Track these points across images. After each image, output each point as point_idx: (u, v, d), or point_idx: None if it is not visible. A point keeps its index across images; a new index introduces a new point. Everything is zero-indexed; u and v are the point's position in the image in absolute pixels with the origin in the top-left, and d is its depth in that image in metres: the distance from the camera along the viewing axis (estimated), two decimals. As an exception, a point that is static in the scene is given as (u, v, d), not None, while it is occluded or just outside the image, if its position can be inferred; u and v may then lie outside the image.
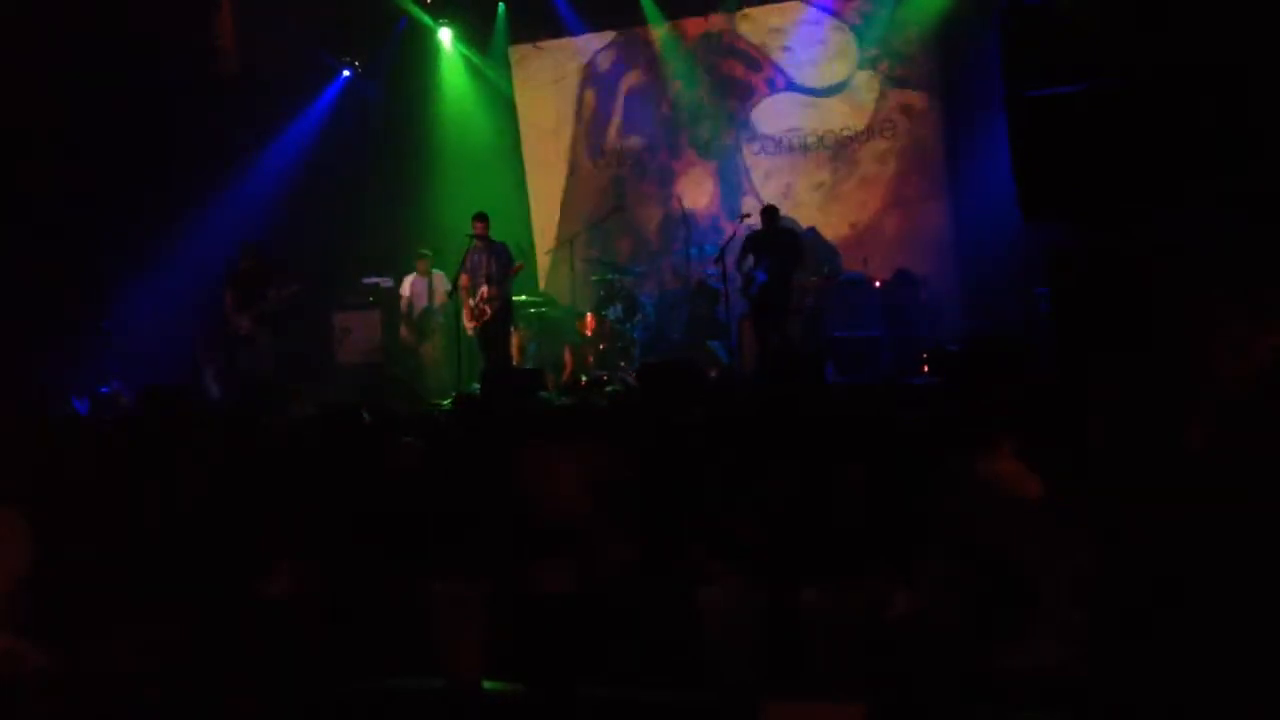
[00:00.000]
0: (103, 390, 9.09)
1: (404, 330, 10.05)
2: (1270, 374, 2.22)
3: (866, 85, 10.33)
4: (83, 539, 2.40)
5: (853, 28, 10.35)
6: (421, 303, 9.93)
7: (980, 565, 2.37)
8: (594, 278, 10.13)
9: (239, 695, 2.10)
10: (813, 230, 10.13)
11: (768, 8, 10.68)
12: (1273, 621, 2.11)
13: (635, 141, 11.31)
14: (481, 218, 8.88)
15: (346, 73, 11.51)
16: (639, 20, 10.99)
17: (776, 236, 8.95)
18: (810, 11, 10.45)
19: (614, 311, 9.65)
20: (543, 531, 2.79)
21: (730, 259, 8.95)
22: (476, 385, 8.76)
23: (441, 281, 9.74)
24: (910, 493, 2.63)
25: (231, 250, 9.40)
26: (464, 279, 8.93)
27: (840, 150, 10.49)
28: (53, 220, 8.95)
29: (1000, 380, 2.81)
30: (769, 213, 9.04)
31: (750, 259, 8.95)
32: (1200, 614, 2.18)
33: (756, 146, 10.78)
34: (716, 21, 10.88)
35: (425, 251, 9.97)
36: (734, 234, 9.08)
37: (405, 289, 10.09)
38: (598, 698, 2.18)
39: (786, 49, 10.59)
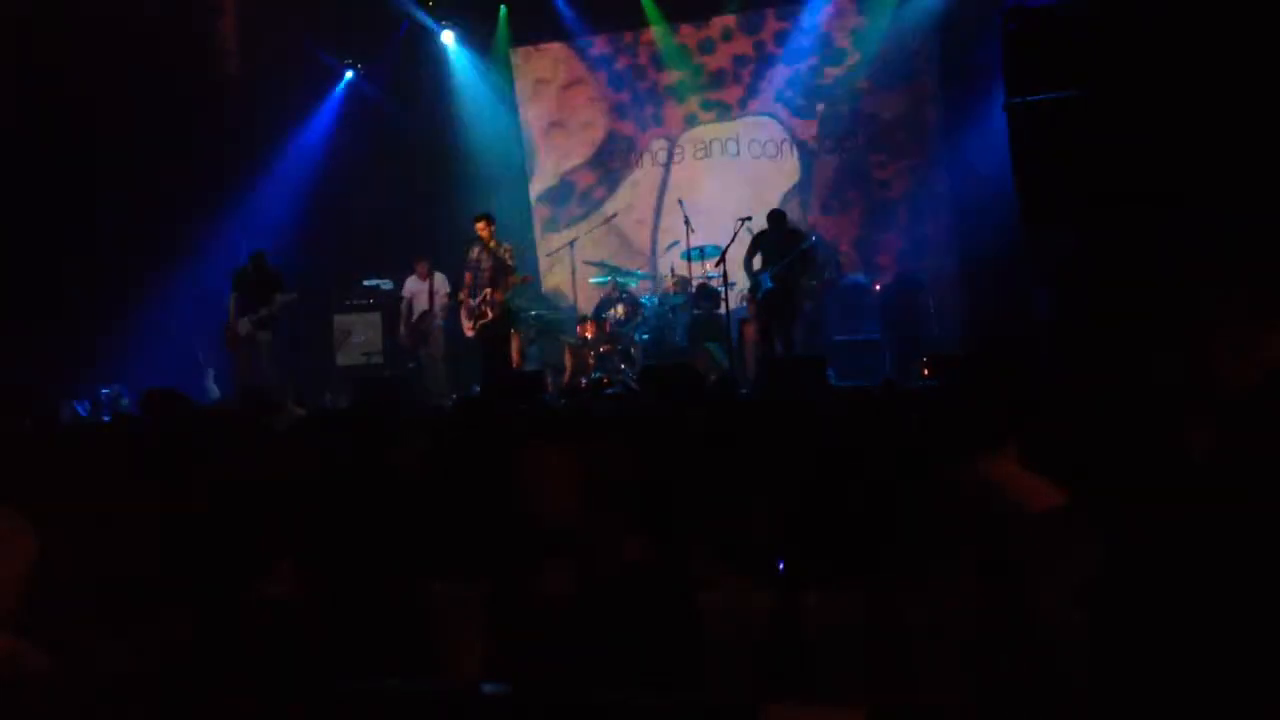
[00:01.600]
0: (103, 392, 9.10)
1: (403, 332, 10.05)
2: (1272, 375, 2.22)
3: (866, 88, 10.34)
4: (83, 540, 2.39)
5: (852, 29, 10.37)
6: (421, 305, 9.94)
7: (982, 568, 2.37)
8: (594, 280, 10.14)
9: (239, 695, 2.09)
10: (813, 233, 10.13)
11: (767, 10, 10.70)
12: (1275, 626, 2.10)
13: (637, 143, 11.32)
14: (483, 219, 8.88)
15: (349, 74, 11.52)
16: (640, 23, 11.01)
17: (784, 240, 8.88)
18: (809, 14, 10.46)
19: (614, 314, 9.65)
20: (543, 533, 2.78)
21: (733, 262, 8.92)
22: (477, 387, 8.76)
23: (442, 284, 9.75)
24: (912, 496, 2.62)
25: (233, 252, 9.42)
26: (466, 279, 8.94)
27: (839, 153, 10.50)
28: (54, 222, 8.96)
29: (1002, 382, 2.81)
30: (776, 216, 8.93)
31: (758, 260, 8.90)
32: (1203, 618, 2.17)
33: (757, 149, 10.79)
34: (717, 24, 10.90)
35: (425, 255, 9.96)
36: (735, 236, 9.07)
37: (405, 291, 10.09)
38: (597, 700, 2.18)
39: (786, 52, 10.60)
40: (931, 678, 2.28)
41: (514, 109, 11.74)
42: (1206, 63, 5.75)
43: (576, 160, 11.59)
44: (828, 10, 10.42)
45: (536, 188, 11.73)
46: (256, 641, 2.38)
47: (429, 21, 11.38)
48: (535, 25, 11.31)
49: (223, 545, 2.68)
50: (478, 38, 11.51)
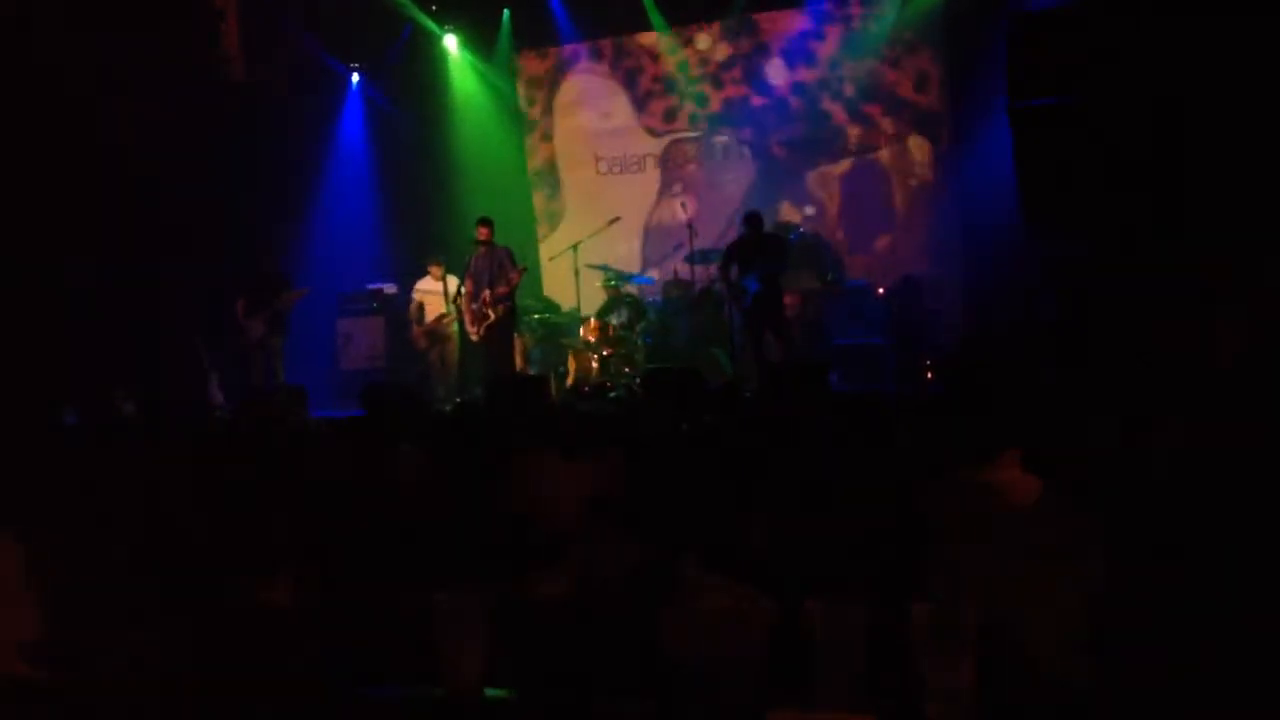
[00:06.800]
0: (104, 399, 9.07)
1: (417, 334, 9.98)
2: (1267, 379, 2.22)
3: (868, 91, 10.34)
4: (83, 548, 2.40)
5: (854, 32, 10.37)
6: (436, 307, 9.87)
7: (985, 575, 2.36)
8: (598, 284, 10.13)
9: (239, 704, 2.10)
10: (816, 237, 10.13)
11: (770, 14, 10.71)
12: (1276, 627, 2.10)
13: (639, 147, 11.33)
14: (485, 223, 8.88)
15: (355, 79, 11.54)
16: (643, 27, 11.02)
17: (763, 243, 8.76)
18: (811, 17, 10.46)
19: (618, 318, 9.63)
20: (545, 539, 2.78)
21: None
22: (480, 391, 8.75)
23: (455, 286, 9.71)
24: (915, 502, 2.62)
25: (234, 257, 9.41)
26: (467, 284, 8.94)
27: (841, 156, 10.50)
28: (58, 226, 8.95)
29: (1004, 388, 2.80)
30: (753, 219, 8.81)
31: (735, 268, 8.73)
32: (1204, 620, 2.17)
33: (759, 152, 10.80)
34: (719, 27, 10.91)
35: (440, 256, 9.87)
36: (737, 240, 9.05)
37: (416, 293, 10.02)
38: (599, 708, 2.18)
39: (787, 56, 10.61)
40: (934, 685, 2.27)
41: (517, 113, 11.75)
42: (1209, 67, 5.75)
43: (579, 164, 11.60)
44: (830, 14, 10.42)
45: (539, 191, 11.74)
46: (259, 647, 2.38)
47: (433, 25, 11.40)
48: (537, 29, 11.31)
49: (226, 551, 2.68)
50: (480, 42, 11.52)
